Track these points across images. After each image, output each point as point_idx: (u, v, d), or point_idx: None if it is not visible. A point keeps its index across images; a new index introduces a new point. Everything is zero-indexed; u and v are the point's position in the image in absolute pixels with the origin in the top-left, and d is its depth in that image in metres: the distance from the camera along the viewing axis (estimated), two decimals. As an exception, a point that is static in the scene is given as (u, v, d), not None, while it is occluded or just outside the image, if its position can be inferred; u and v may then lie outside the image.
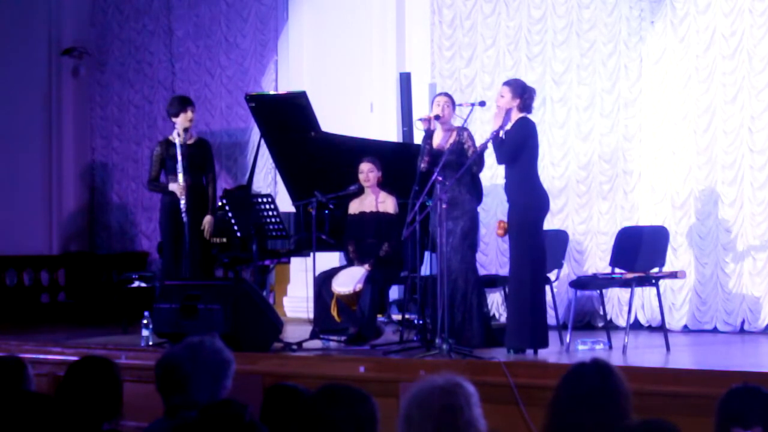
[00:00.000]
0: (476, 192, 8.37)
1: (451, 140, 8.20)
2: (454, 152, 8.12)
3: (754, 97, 9.35)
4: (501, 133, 7.82)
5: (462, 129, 8.22)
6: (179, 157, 9.25)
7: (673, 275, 8.50)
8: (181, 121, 9.37)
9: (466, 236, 8.14)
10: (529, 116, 7.94)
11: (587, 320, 9.92)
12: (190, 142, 9.42)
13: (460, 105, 8.35)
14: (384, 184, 8.91)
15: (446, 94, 8.51)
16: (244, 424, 3.16)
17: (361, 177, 8.86)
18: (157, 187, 9.53)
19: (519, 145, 7.79)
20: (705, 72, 9.55)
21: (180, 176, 9.26)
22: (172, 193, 9.31)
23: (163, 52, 13.05)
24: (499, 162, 8.00)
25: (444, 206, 7.71)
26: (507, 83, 8.04)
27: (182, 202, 9.23)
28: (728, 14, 9.46)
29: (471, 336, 8.02)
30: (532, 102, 7.95)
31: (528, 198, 7.81)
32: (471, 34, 10.83)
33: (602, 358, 3.48)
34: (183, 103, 9.48)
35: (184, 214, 9.19)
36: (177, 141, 9.29)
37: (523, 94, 7.87)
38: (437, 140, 8.29)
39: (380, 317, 9.06)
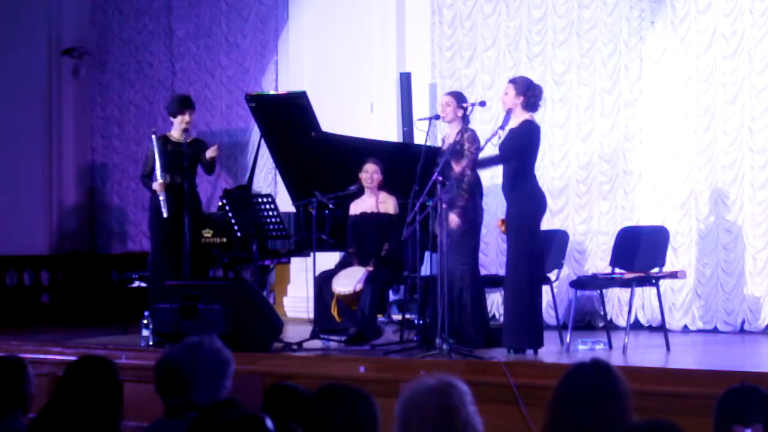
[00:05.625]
0: (476, 192, 8.34)
1: (455, 140, 8.17)
2: (452, 152, 8.10)
3: (755, 97, 9.36)
4: (500, 133, 7.82)
5: (464, 130, 8.20)
6: (156, 156, 9.29)
7: (674, 275, 8.50)
8: (178, 122, 9.41)
9: (463, 238, 8.12)
10: (535, 116, 7.93)
11: (587, 320, 9.92)
12: (185, 140, 9.40)
13: (462, 105, 8.34)
14: (384, 185, 8.92)
15: (451, 93, 8.50)
16: (256, 426, 3.14)
17: (365, 177, 8.86)
18: (145, 184, 9.59)
19: (522, 146, 7.80)
20: (705, 72, 9.55)
21: (158, 173, 9.29)
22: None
23: (163, 52, 13.05)
24: (500, 163, 8.02)
25: (444, 206, 7.70)
26: (512, 80, 8.05)
27: (161, 198, 9.23)
28: (728, 14, 9.46)
29: (470, 336, 8.01)
30: (538, 100, 7.93)
31: (525, 198, 7.80)
32: (471, 34, 10.83)
33: (602, 358, 3.47)
34: (182, 106, 9.48)
35: (164, 210, 9.19)
36: (154, 139, 9.38)
37: (526, 91, 7.85)
38: (449, 140, 8.27)
39: (380, 317, 9.06)
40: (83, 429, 4.10)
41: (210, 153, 9.45)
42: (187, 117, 9.43)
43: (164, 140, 9.44)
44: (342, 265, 8.94)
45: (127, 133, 13.34)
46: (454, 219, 8.04)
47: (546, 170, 10.02)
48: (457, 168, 8.00)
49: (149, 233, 9.75)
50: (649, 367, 7.05)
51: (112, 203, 13.46)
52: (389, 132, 11.02)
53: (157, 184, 9.28)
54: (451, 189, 7.95)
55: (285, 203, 10.06)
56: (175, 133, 9.44)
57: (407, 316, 8.84)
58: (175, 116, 9.45)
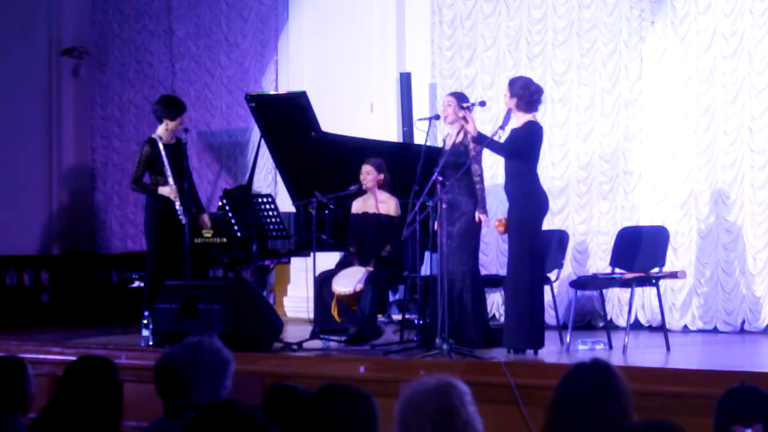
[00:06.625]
0: (476, 193, 8.33)
1: (456, 140, 8.18)
2: (454, 153, 8.11)
3: (755, 97, 9.35)
4: (500, 133, 7.83)
5: (466, 130, 8.18)
6: (165, 159, 9.18)
7: (674, 275, 8.50)
8: (175, 124, 9.33)
9: (464, 238, 8.12)
10: (536, 116, 7.93)
11: (587, 320, 9.92)
12: (172, 142, 9.35)
13: (463, 105, 8.33)
14: (386, 185, 8.92)
15: (452, 94, 8.50)
16: (257, 426, 3.14)
17: (361, 178, 8.88)
18: (144, 188, 9.35)
19: (523, 145, 7.80)
20: (705, 72, 9.55)
21: (170, 179, 9.21)
22: (161, 195, 9.20)
23: (163, 52, 13.04)
24: (500, 154, 8.03)
25: (444, 206, 7.70)
26: (509, 81, 8.06)
27: (177, 204, 9.16)
28: (729, 14, 9.46)
29: (470, 336, 8.01)
30: (536, 100, 7.91)
31: (527, 198, 7.81)
32: (471, 34, 10.83)
33: (602, 358, 3.47)
34: (182, 108, 9.43)
35: (182, 217, 9.14)
36: (161, 143, 9.27)
37: (520, 92, 7.83)
38: (450, 141, 8.27)
39: (380, 317, 9.06)
40: (83, 429, 4.10)
41: (204, 225, 9.53)
42: (185, 118, 9.43)
43: (154, 143, 9.33)
44: (342, 265, 8.95)
45: (127, 133, 13.33)
46: (483, 218, 8.11)
47: (546, 170, 10.01)
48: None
49: (146, 233, 9.65)
50: (649, 367, 7.05)
51: (112, 203, 13.45)
52: (389, 132, 11.02)
53: (171, 189, 9.20)
54: (452, 189, 7.95)
55: (285, 203, 10.06)
56: (166, 135, 9.34)
57: (407, 316, 8.84)
58: (173, 119, 9.34)
